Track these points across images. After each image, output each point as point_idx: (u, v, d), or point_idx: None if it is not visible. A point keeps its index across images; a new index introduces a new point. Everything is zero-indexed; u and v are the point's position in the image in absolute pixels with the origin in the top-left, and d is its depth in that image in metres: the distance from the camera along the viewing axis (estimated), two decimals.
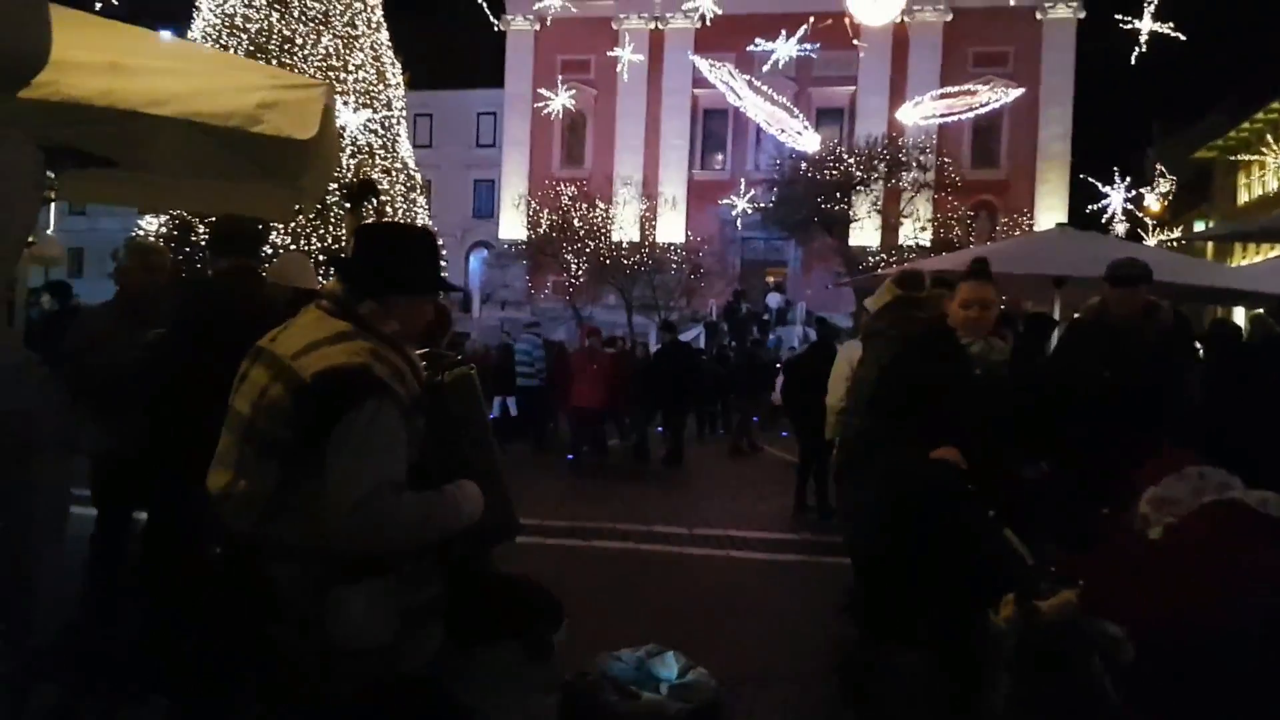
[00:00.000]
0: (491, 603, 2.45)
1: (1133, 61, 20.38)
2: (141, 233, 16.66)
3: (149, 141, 4.67)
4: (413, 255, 2.43)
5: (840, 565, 5.53)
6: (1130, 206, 30.81)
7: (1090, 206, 31.35)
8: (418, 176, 22.45)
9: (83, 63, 3.70)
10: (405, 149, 22.03)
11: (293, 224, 15.54)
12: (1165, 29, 20.48)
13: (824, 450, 7.56)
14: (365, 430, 2.13)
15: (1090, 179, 31.04)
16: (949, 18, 36.57)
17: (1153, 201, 33.81)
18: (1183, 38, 20.58)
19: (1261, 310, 9.91)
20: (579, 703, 3.47)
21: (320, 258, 15.30)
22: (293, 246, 15.78)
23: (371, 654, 2.18)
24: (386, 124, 19.64)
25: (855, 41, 27.37)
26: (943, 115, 29.35)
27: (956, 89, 29.46)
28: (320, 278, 5.66)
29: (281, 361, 2.26)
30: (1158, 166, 34.93)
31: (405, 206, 19.58)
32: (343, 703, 2.20)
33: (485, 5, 21.54)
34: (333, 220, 16.82)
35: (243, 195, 5.54)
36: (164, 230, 16.36)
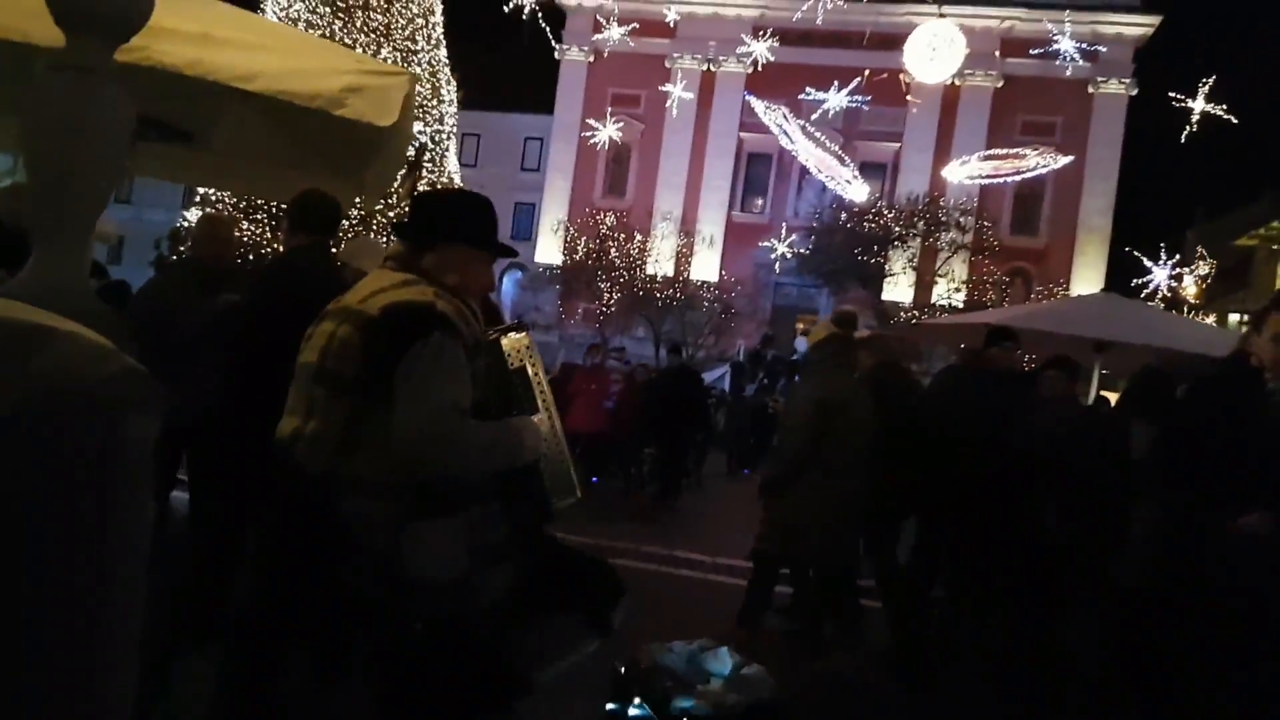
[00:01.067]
0: (556, 572, 2.46)
1: (1183, 140, 20.43)
2: (188, 224, 16.88)
3: (225, 118, 4.75)
4: (466, 210, 2.56)
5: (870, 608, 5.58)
6: (1174, 284, 30.60)
7: (1135, 281, 31.22)
8: None
9: (176, 30, 3.77)
10: (453, 165, 22.30)
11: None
12: (1218, 110, 20.53)
13: None
14: (431, 359, 2.21)
15: (1136, 252, 30.93)
16: (1000, 84, 36.62)
17: (1190, 283, 33.58)
18: (1234, 120, 20.63)
19: None
20: (633, 688, 3.44)
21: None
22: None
23: (444, 588, 2.23)
24: (437, 139, 19.88)
25: (908, 98, 27.50)
26: (989, 176, 29.44)
27: (1005, 150, 29.61)
28: None
29: (349, 308, 2.37)
30: (1198, 249, 34.73)
31: None
32: (409, 645, 2.21)
33: (549, 33, 21.87)
34: (374, 229, 16.99)
35: (307, 183, 5.63)
36: None
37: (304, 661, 2.52)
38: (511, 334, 2.60)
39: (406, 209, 2.65)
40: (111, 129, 2.94)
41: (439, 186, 19.35)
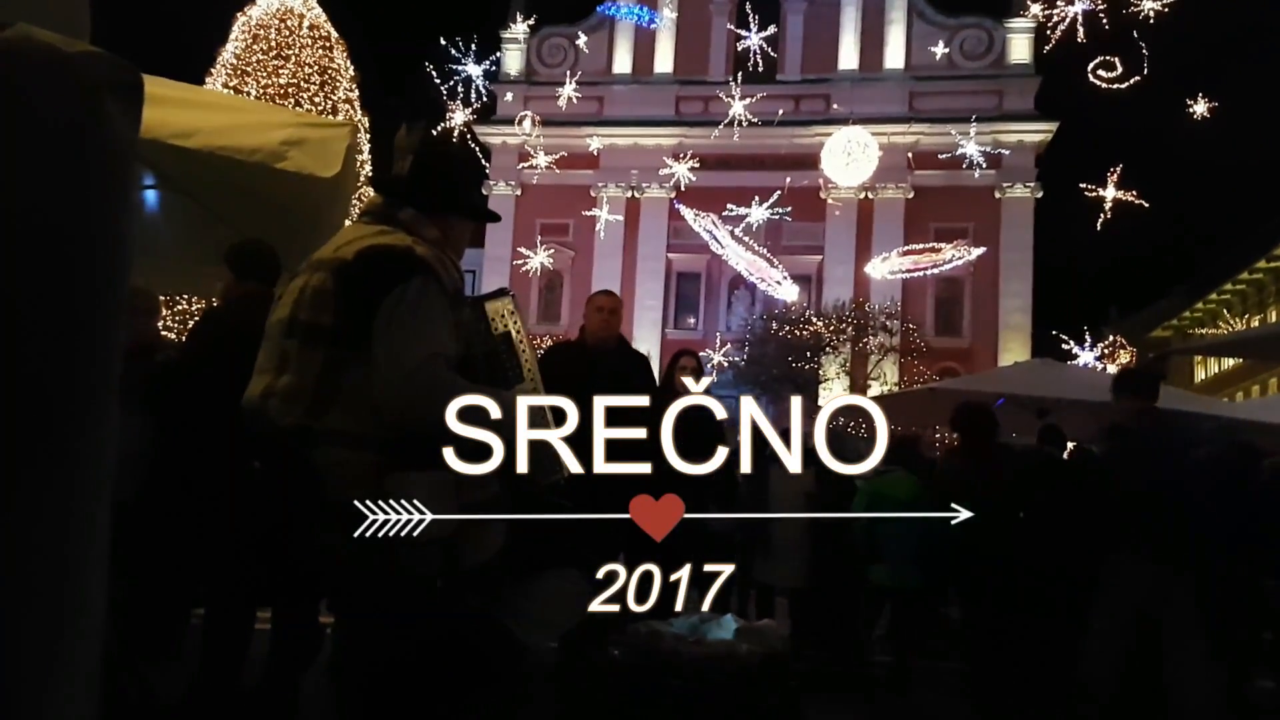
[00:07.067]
0: (545, 526, 2.28)
1: (1098, 227, 21.34)
2: None
3: (166, 179, 4.71)
4: (461, 177, 2.44)
5: None
6: (1101, 366, 31.55)
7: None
8: None
9: None
10: None
11: None
12: (1129, 196, 21.54)
13: None
14: (413, 305, 2.07)
15: (1061, 334, 31.89)
16: (910, 195, 38.14)
17: (1114, 369, 34.66)
18: (1145, 205, 21.65)
19: None
20: (639, 652, 3.23)
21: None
22: None
23: (431, 545, 2.03)
24: None
25: (829, 201, 28.39)
26: (910, 270, 30.44)
27: (922, 246, 30.80)
28: None
29: (321, 259, 2.23)
30: (1118, 338, 35.98)
31: None
32: (401, 604, 2.04)
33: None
34: None
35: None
36: None
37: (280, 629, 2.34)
38: (494, 299, 2.43)
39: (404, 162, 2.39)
40: None
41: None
